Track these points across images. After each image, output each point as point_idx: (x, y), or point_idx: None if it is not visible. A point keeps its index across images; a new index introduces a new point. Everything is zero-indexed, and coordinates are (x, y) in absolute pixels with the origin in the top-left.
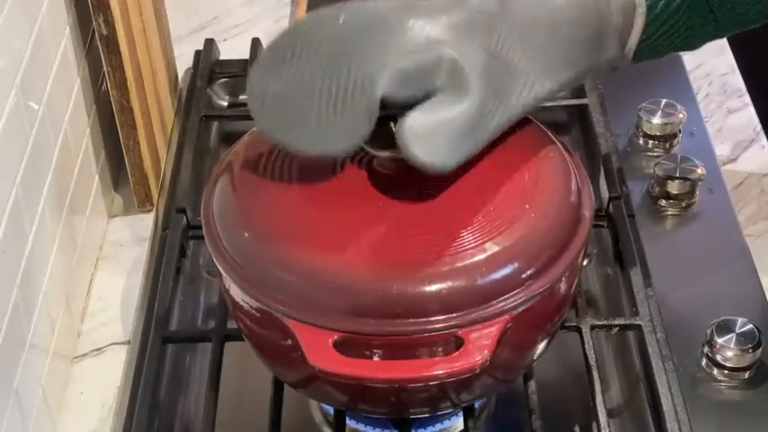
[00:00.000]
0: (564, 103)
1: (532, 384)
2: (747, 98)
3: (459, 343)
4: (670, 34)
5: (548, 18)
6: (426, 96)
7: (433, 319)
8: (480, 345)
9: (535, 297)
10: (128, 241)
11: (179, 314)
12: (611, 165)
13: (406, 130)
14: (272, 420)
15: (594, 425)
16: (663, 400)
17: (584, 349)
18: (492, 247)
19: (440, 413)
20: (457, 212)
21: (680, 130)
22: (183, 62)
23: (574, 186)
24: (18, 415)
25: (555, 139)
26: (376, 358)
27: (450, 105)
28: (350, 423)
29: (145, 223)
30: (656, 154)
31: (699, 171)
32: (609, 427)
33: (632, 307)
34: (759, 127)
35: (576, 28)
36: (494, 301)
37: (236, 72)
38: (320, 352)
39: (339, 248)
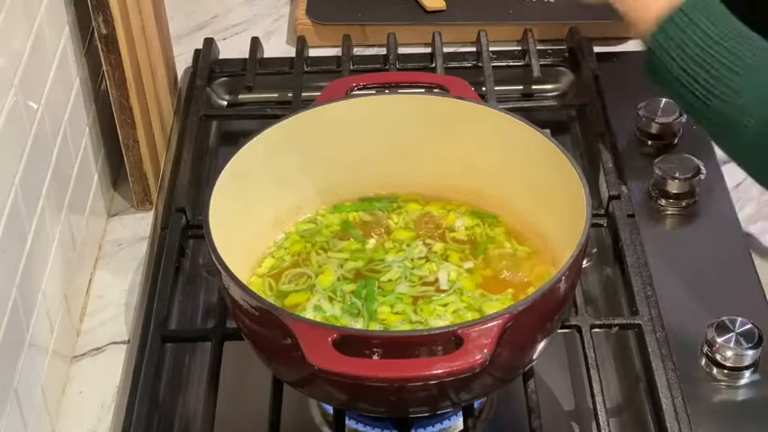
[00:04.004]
0: (564, 102)
1: (532, 384)
2: None
3: (458, 342)
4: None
5: None
6: None
7: None
8: (480, 344)
9: (535, 296)
10: (127, 240)
11: (178, 314)
12: (611, 165)
13: None
14: (272, 420)
15: (594, 425)
16: (663, 399)
17: (583, 349)
18: None
19: (439, 413)
20: None
21: (680, 130)
22: (183, 61)
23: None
24: (17, 414)
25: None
26: (375, 357)
27: None
28: (349, 423)
29: (144, 222)
30: (656, 154)
31: (699, 171)
32: (609, 426)
33: (632, 306)
34: None
35: None
36: None
37: (236, 71)
38: (320, 351)
39: None
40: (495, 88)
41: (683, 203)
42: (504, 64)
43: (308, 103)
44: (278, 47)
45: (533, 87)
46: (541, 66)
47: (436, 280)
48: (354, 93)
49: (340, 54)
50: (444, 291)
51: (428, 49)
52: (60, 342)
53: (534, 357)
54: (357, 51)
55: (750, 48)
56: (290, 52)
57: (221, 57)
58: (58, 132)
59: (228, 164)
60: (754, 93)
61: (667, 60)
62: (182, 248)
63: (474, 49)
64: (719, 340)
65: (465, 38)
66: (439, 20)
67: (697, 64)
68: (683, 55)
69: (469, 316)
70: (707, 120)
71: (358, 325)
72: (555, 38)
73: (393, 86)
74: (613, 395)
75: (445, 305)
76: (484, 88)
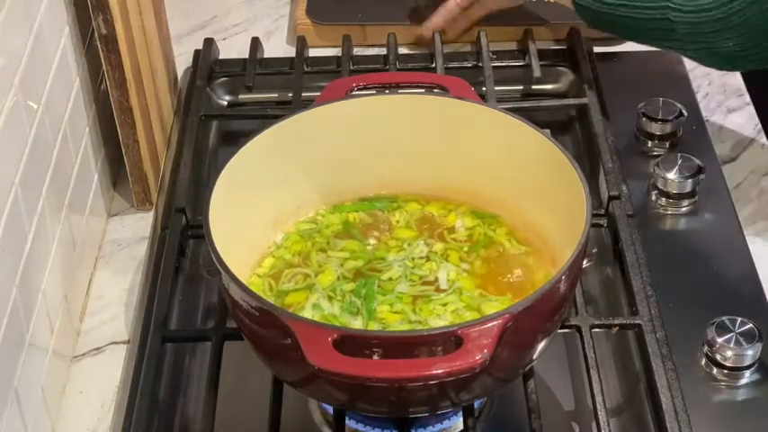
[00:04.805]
0: (564, 102)
1: (532, 384)
2: (747, 97)
3: (458, 342)
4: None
5: None
6: None
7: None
8: (480, 344)
9: (535, 296)
10: (127, 240)
11: (178, 314)
12: (611, 165)
13: None
14: (272, 420)
15: (594, 425)
16: (663, 399)
17: (583, 349)
18: None
19: (439, 413)
20: None
21: (680, 130)
22: (183, 61)
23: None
24: (17, 414)
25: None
26: (376, 357)
27: None
28: (349, 423)
29: (144, 222)
30: (656, 154)
31: (699, 171)
32: (609, 427)
33: (632, 306)
34: (759, 126)
35: None
36: None
37: (236, 71)
38: (320, 351)
39: None
40: (495, 88)
41: (683, 203)
42: (504, 64)
43: (308, 103)
44: (278, 47)
45: (533, 87)
46: (541, 66)
47: (436, 279)
48: (354, 93)
49: (340, 54)
50: (444, 290)
51: (428, 50)
52: (60, 342)
53: (534, 357)
54: (357, 51)
55: None
56: (290, 52)
57: (221, 57)
58: (58, 132)
59: (228, 164)
60: None
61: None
62: (182, 248)
63: (474, 49)
64: (719, 340)
65: (465, 38)
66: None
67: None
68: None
69: (468, 316)
70: (641, 32)
71: (357, 323)
72: (555, 38)
73: (393, 86)
74: (613, 395)
75: (444, 305)
76: (484, 88)
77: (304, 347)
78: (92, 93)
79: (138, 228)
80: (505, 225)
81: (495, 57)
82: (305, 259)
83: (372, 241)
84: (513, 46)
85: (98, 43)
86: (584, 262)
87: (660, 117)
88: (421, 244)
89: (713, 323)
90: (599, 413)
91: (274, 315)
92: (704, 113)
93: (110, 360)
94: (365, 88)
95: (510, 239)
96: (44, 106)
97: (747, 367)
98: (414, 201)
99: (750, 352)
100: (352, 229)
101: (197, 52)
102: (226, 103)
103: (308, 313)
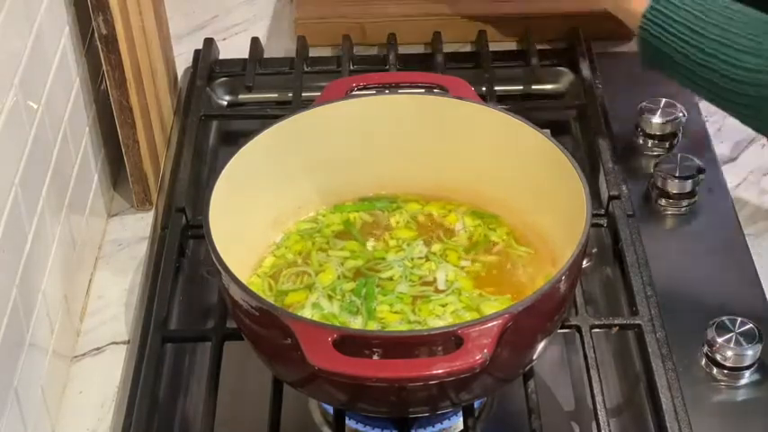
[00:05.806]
0: (564, 102)
1: (532, 384)
2: None
3: (458, 342)
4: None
5: None
6: None
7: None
8: (480, 344)
9: (535, 296)
10: (127, 241)
11: (178, 314)
12: (611, 165)
13: None
14: (272, 420)
15: (594, 425)
16: (663, 399)
17: (583, 349)
18: None
19: (440, 413)
20: None
21: (680, 130)
22: (183, 61)
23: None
24: (17, 414)
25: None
26: (375, 357)
27: None
28: (349, 423)
29: (144, 222)
30: (655, 154)
31: (699, 171)
32: (609, 427)
33: (632, 307)
34: None
35: None
36: None
37: (236, 71)
38: (320, 351)
39: None
40: (495, 88)
41: (683, 203)
42: (504, 64)
43: (308, 103)
44: (278, 47)
45: (533, 87)
46: (541, 66)
47: (435, 279)
48: (354, 93)
49: (340, 54)
50: (442, 291)
51: (428, 50)
52: (60, 342)
53: (534, 357)
54: (357, 51)
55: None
56: (290, 52)
57: (221, 57)
58: (58, 132)
59: (228, 164)
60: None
61: (660, 45)
62: (182, 248)
63: (474, 49)
64: (719, 340)
65: (465, 38)
66: (440, 14)
67: (688, 43)
68: (673, 38)
69: (468, 316)
70: (706, 89)
71: (356, 323)
72: (555, 37)
73: (393, 86)
74: (613, 395)
75: (444, 305)
76: (484, 88)
77: (304, 347)
78: (92, 93)
79: (138, 228)
80: (505, 225)
81: (495, 57)
82: (305, 259)
83: (372, 241)
84: (513, 46)
85: (98, 43)
86: (585, 262)
87: (660, 117)
88: (420, 244)
89: (713, 323)
90: (599, 413)
91: (274, 315)
92: (704, 113)
93: (110, 360)
94: (365, 88)
95: (510, 239)
96: (44, 106)
97: (747, 367)
98: (414, 201)
99: (750, 352)
100: (352, 228)
101: (197, 52)
102: (226, 103)
103: (307, 312)
